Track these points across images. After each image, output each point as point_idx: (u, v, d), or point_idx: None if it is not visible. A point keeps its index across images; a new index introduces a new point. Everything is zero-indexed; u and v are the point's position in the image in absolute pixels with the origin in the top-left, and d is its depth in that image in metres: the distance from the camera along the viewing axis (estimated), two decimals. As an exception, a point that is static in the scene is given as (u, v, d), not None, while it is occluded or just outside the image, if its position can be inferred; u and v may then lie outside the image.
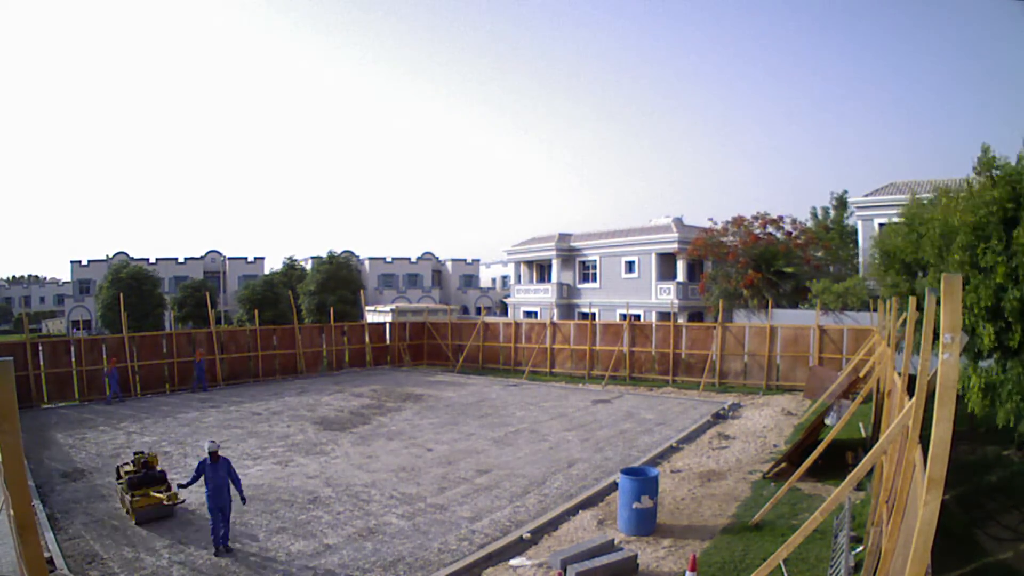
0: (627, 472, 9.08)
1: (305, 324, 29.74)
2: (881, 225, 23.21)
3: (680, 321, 25.48)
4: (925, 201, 12.08)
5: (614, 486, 10.28)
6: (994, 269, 7.50)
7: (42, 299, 75.66)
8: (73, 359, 20.40)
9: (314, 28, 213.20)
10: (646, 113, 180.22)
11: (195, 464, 12.48)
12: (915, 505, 3.81)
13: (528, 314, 38.87)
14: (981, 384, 8.38)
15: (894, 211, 13.71)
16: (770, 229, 29.39)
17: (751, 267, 27.74)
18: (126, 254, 48.71)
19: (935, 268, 8.75)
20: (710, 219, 36.21)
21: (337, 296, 34.06)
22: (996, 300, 7.58)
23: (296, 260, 43.04)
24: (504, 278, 60.81)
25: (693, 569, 6.97)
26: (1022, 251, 7.15)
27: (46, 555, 7.92)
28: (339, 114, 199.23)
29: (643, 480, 8.78)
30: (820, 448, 10.15)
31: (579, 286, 37.66)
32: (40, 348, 19.98)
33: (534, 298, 39.46)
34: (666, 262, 33.72)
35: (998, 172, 8.13)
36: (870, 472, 9.20)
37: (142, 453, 10.26)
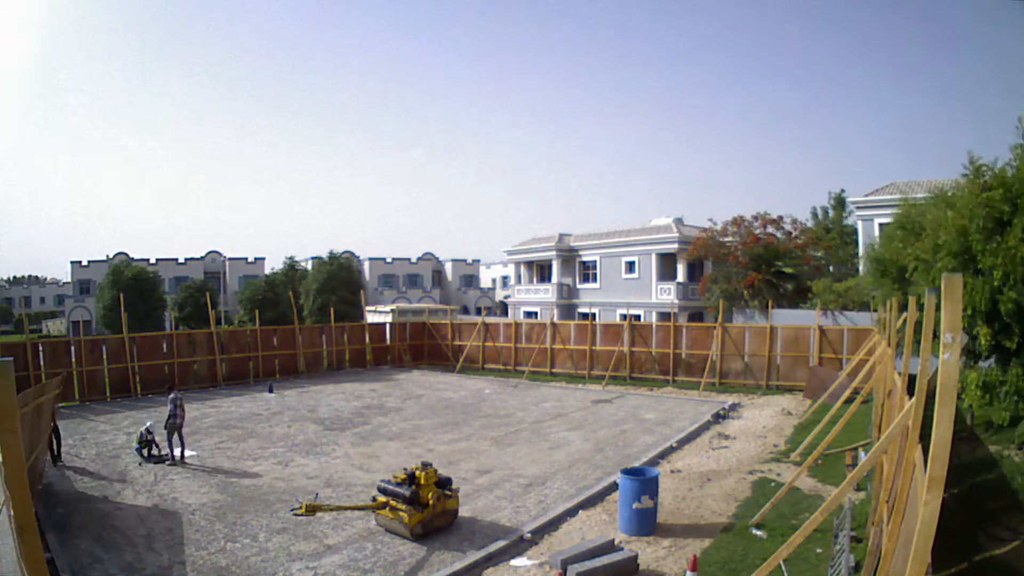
0: (627, 472, 9.08)
1: (306, 324, 29.75)
2: (881, 225, 23.19)
3: (680, 321, 25.48)
4: (919, 202, 12.03)
5: (614, 486, 10.28)
6: (991, 272, 7.51)
7: (42, 299, 75.66)
8: (73, 359, 20.42)
9: (314, 24, 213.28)
10: (646, 113, 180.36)
11: (194, 466, 12.55)
12: (915, 505, 3.81)
13: (528, 314, 38.87)
14: (979, 381, 8.39)
15: (894, 211, 13.65)
16: (770, 229, 29.38)
17: (751, 267, 27.74)
18: (126, 254, 48.68)
19: (926, 273, 8.75)
20: (710, 219, 36.21)
21: (337, 296, 34.09)
22: (993, 302, 7.58)
23: (296, 261, 43.08)
24: (504, 278, 60.76)
25: (693, 569, 6.97)
26: (1015, 252, 7.17)
27: (47, 555, 7.92)
28: (338, 114, 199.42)
29: (643, 480, 8.79)
30: (820, 448, 10.17)
31: (579, 286, 37.67)
32: (40, 348, 19.99)
33: (534, 298, 39.46)
34: (666, 262, 33.72)
35: (988, 178, 8.15)
36: (870, 472, 9.20)
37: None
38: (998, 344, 7.99)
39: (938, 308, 3.25)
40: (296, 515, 8.33)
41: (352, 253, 49.31)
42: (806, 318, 22.18)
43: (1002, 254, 7.28)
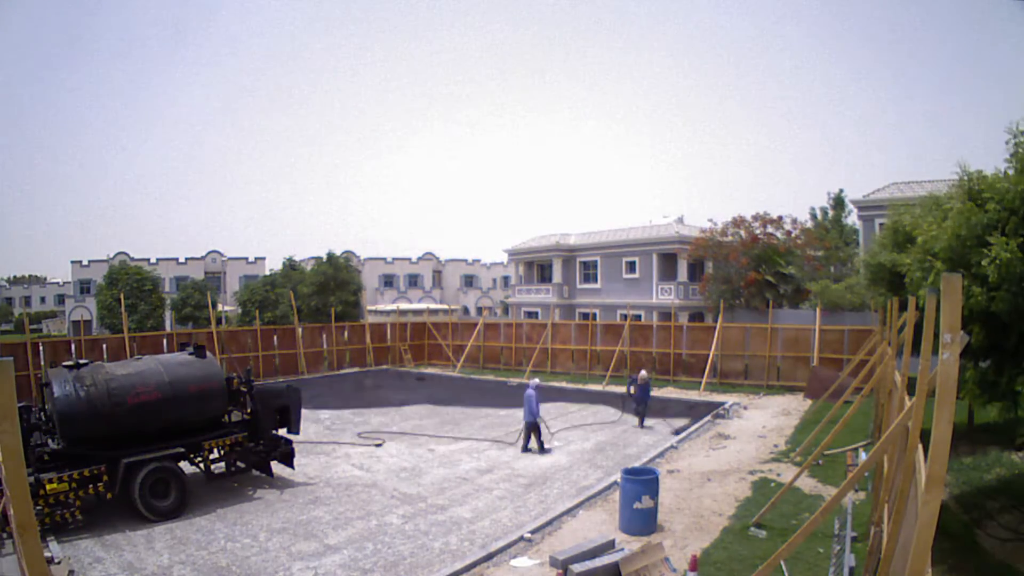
0: (628, 472, 9.09)
1: (306, 324, 29.74)
2: (881, 225, 23.16)
3: (680, 321, 25.49)
4: (912, 206, 11.97)
5: (615, 486, 10.28)
6: (988, 274, 7.48)
7: (43, 299, 75.59)
8: (74, 359, 20.40)
9: (314, 23, 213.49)
10: (646, 113, 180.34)
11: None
12: (915, 505, 3.82)
13: (529, 314, 38.84)
14: (977, 379, 8.38)
15: (891, 213, 13.59)
16: (770, 229, 29.34)
17: (751, 267, 27.70)
18: (126, 254, 48.66)
19: (923, 279, 8.73)
20: (710, 219, 36.14)
21: (337, 297, 34.08)
22: (989, 301, 7.57)
23: (296, 261, 43.01)
24: (505, 278, 60.77)
25: (693, 569, 6.98)
26: (1004, 254, 7.16)
27: (47, 555, 7.93)
28: (338, 114, 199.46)
29: (644, 480, 8.79)
30: (820, 448, 10.17)
31: (580, 286, 37.63)
32: (40, 348, 19.99)
33: (535, 298, 39.43)
34: (667, 262, 33.69)
35: (982, 187, 8.13)
36: (870, 472, 9.21)
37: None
38: (995, 344, 7.96)
39: (938, 309, 3.25)
40: None
41: (352, 253, 49.28)
42: (806, 318, 22.17)
43: (995, 258, 7.25)
